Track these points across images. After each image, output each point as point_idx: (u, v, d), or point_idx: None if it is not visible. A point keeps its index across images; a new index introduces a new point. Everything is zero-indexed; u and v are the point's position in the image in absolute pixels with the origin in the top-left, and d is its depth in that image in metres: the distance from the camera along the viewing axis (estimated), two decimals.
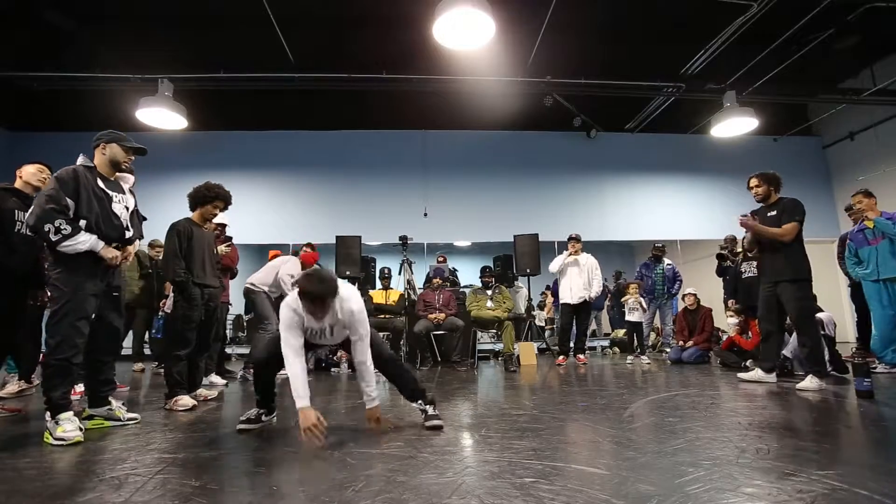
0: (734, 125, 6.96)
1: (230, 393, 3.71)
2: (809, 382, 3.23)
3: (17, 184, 3.00)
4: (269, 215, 8.33)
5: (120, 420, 2.48)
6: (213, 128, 8.30)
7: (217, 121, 8.16)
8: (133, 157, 2.57)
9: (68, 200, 2.24)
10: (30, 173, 3.01)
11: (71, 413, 2.18)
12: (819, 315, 4.18)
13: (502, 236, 7.90)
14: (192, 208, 3.30)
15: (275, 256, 5.00)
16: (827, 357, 3.63)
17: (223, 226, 4.77)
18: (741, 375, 3.74)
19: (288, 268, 4.65)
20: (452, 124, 8.65)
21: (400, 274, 6.34)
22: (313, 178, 8.62)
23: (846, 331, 7.79)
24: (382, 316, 5.55)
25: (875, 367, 3.91)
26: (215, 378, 4.10)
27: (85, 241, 2.25)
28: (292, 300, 2.17)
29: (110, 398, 2.54)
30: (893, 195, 7.48)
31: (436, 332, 5.36)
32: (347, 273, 6.08)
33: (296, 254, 5.26)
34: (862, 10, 5.68)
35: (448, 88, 6.84)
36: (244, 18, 5.74)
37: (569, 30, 5.95)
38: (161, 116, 6.28)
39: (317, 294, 2.04)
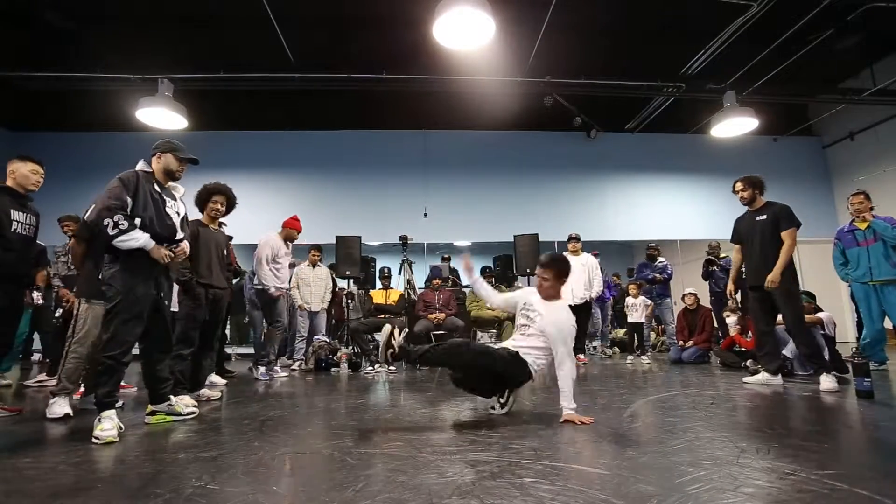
0: (734, 125, 6.96)
1: (230, 392, 3.71)
2: (830, 383, 3.18)
3: (10, 182, 2.83)
4: (268, 215, 8.29)
5: (180, 414, 2.57)
6: (213, 128, 8.29)
7: (217, 121, 8.17)
8: (185, 167, 2.70)
9: (128, 198, 2.36)
10: (24, 175, 2.84)
11: (113, 412, 2.24)
12: (819, 315, 4.19)
13: (502, 236, 7.89)
14: (200, 210, 3.47)
15: None
16: (827, 357, 3.62)
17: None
18: (746, 379, 3.66)
19: (264, 246, 4.59)
20: (452, 124, 8.65)
21: (400, 274, 6.34)
22: (313, 178, 8.62)
23: (846, 331, 7.79)
24: (382, 316, 5.55)
25: None
26: (215, 378, 4.12)
27: (139, 237, 2.33)
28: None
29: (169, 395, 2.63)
30: (893, 195, 7.49)
31: (436, 332, 5.36)
32: (347, 273, 6.08)
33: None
34: (862, 10, 5.68)
35: (448, 88, 6.84)
36: (244, 18, 5.74)
37: (569, 30, 5.95)
38: (161, 116, 6.27)
39: None
